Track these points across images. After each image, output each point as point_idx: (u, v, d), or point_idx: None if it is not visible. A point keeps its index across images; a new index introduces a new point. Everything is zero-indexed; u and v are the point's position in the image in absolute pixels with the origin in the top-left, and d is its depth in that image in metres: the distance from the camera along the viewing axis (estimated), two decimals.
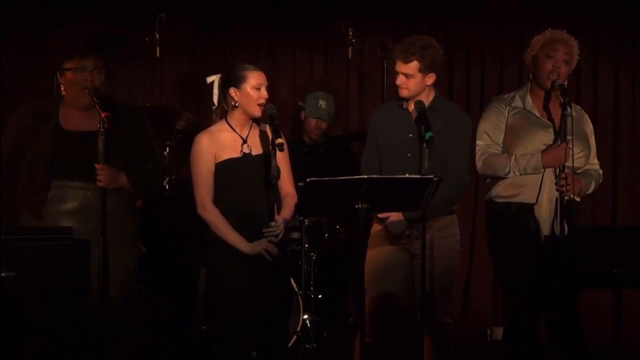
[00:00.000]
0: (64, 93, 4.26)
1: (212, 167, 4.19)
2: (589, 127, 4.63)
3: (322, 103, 5.96)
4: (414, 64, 4.32)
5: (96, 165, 4.08)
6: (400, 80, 4.37)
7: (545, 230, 4.40)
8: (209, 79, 4.33)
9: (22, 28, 6.31)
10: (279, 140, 4.09)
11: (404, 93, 4.39)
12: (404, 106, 4.42)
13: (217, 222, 4.17)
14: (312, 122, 5.98)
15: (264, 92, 4.20)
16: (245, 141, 4.23)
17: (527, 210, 4.46)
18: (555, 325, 4.47)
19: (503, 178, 4.49)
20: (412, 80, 4.34)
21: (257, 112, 4.21)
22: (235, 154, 4.20)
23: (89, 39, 4.29)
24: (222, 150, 4.20)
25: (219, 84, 4.28)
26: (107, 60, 4.28)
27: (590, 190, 4.54)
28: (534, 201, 4.45)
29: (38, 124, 4.21)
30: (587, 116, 4.67)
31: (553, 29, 4.62)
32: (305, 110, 6.03)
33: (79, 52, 4.20)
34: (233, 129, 4.23)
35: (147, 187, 4.36)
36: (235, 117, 4.24)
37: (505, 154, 4.52)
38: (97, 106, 4.11)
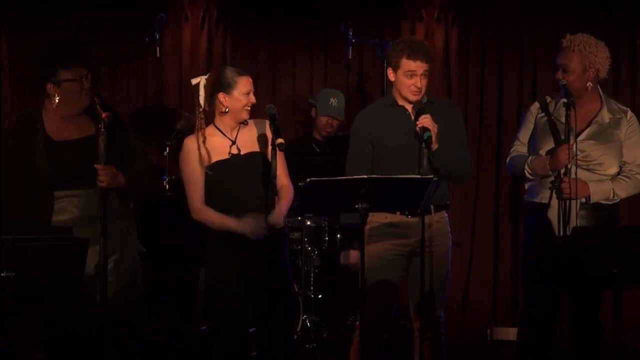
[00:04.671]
0: (55, 104, 4.23)
1: (200, 169, 4.20)
2: (624, 133, 4.54)
3: (333, 100, 5.99)
4: (430, 63, 4.32)
5: (97, 166, 4.08)
6: (421, 82, 4.28)
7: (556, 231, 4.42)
8: (194, 81, 4.35)
9: (22, 28, 6.30)
10: (279, 140, 4.09)
11: (419, 96, 4.31)
12: (399, 104, 4.37)
13: (209, 217, 4.21)
14: (324, 119, 6.01)
15: (252, 97, 4.26)
16: (234, 142, 4.25)
17: (543, 210, 4.51)
18: (574, 325, 4.51)
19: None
20: (426, 79, 4.32)
21: (245, 116, 4.27)
22: (224, 156, 4.24)
23: (77, 46, 4.29)
24: (211, 153, 4.24)
25: (205, 86, 4.29)
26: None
27: (611, 195, 4.48)
28: (546, 201, 4.50)
29: (26, 139, 4.19)
30: (630, 121, 4.56)
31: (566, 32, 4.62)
32: (316, 108, 6.04)
33: (77, 60, 4.20)
34: (222, 132, 4.27)
35: (142, 183, 4.39)
36: (225, 121, 4.29)
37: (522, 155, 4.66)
38: (97, 106, 4.11)
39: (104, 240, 4.05)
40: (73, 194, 4.19)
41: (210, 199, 4.24)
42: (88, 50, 4.36)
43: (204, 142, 4.23)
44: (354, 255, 4.32)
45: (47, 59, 4.24)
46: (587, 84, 4.50)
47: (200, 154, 4.22)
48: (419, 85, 4.28)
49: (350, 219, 4.16)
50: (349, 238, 4.45)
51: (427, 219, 4.24)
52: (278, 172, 4.22)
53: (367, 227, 4.30)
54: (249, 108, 4.27)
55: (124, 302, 4.23)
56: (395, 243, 4.32)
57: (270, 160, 4.18)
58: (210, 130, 4.28)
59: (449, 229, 4.43)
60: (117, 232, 4.21)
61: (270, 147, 4.19)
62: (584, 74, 4.48)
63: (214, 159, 4.23)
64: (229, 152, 4.25)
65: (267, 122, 4.27)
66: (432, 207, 4.29)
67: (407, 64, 4.27)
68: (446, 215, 4.42)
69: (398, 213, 4.30)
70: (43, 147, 4.16)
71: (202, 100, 4.29)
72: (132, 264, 4.34)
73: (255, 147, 4.28)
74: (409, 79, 4.28)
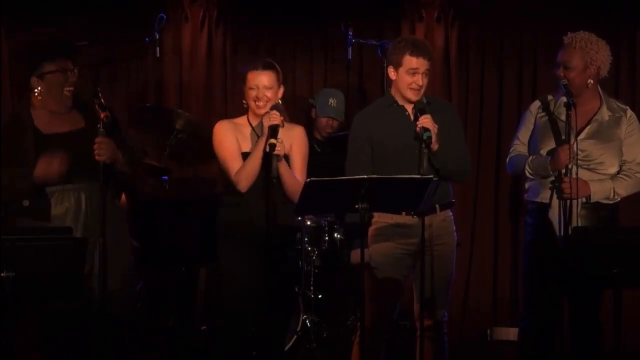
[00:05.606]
0: (39, 97, 4.23)
1: (238, 146, 4.23)
2: (624, 131, 4.55)
3: (332, 101, 5.98)
4: (431, 61, 4.33)
5: (97, 139, 4.08)
6: (422, 80, 4.28)
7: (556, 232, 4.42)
8: None
9: (22, 28, 6.30)
10: (272, 140, 4.10)
11: (419, 95, 4.31)
12: (400, 104, 4.37)
13: (245, 171, 4.18)
14: (323, 120, 6.00)
15: (260, 92, 4.24)
16: (259, 138, 4.25)
17: (543, 210, 4.51)
18: (574, 325, 4.52)
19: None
20: (427, 78, 4.32)
21: (258, 110, 4.26)
22: (249, 145, 4.26)
23: (61, 41, 4.26)
24: (241, 140, 4.27)
25: None
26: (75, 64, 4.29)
27: (612, 194, 4.49)
28: (547, 201, 4.51)
29: (17, 134, 4.18)
30: (630, 120, 4.57)
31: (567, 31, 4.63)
32: (315, 108, 6.03)
33: (62, 53, 4.19)
34: (251, 125, 4.31)
35: (138, 166, 4.46)
36: (251, 114, 4.34)
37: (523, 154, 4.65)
38: (96, 106, 4.10)
39: (104, 240, 4.05)
40: (65, 189, 4.18)
41: (225, 195, 4.28)
42: (75, 46, 4.31)
43: (236, 127, 4.31)
44: (358, 255, 4.28)
45: (31, 54, 4.23)
46: (588, 81, 4.50)
47: (235, 135, 4.27)
48: (420, 83, 4.28)
49: (356, 218, 4.15)
50: (354, 237, 4.44)
51: (431, 218, 4.26)
52: (283, 175, 4.22)
53: (373, 227, 4.32)
54: (261, 103, 4.26)
55: (120, 299, 4.22)
56: (401, 243, 4.31)
57: (288, 160, 4.24)
58: (242, 119, 4.35)
59: (454, 228, 4.43)
60: (109, 228, 4.20)
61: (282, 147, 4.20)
62: (585, 71, 4.49)
63: (243, 148, 4.27)
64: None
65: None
66: (437, 206, 4.29)
67: (410, 61, 4.27)
68: (451, 214, 4.41)
69: (404, 213, 4.30)
70: (31, 141, 4.15)
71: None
72: (126, 259, 4.33)
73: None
74: (410, 76, 4.28)
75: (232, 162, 4.23)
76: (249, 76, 4.26)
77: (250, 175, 4.17)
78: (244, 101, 4.33)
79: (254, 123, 4.32)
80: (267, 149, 4.11)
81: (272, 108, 4.22)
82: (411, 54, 4.27)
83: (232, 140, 4.25)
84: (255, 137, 4.28)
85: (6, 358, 4.04)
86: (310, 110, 6.11)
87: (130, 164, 4.29)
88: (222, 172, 4.31)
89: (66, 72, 4.20)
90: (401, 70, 4.30)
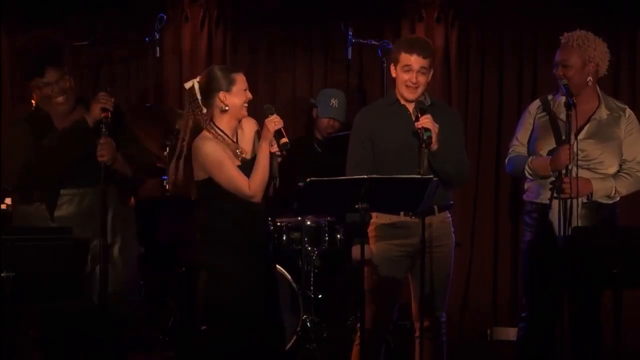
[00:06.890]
0: (34, 105, 4.24)
1: (230, 156, 4.13)
2: (624, 131, 4.55)
3: (333, 102, 5.98)
4: (430, 60, 4.31)
5: (100, 140, 4.08)
6: (416, 78, 4.27)
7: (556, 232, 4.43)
8: (188, 85, 4.20)
9: (22, 28, 6.30)
10: (284, 140, 4.04)
11: (415, 94, 4.31)
12: (401, 103, 4.36)
13: (256, 181, 4.08)
14: (325, 121, 6.00)
15: (249, 94, 4.19)
16: (237, 147, 4.21)
17: (543, 210, 4.52)
18: (574, 325, 4.53)
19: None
20: (425, 77, 4.31)
21: (245, 113, 4.20)
22: (237, 162, 4.14)
23: (40, 52, 4.20)
24: (230, 155, 4.15)
25: (201, 88, 4.18)
26: (67, 66, 4.23)
27: (613, 192, 4.49)
28: (547, 201, 4.51)
29: (35, 129, 4.20)
30: (629, 119, 4.58)
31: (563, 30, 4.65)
32: (317, 109, 6.03)
33: (36, 69, 4.14)
34: (226, 134, 4.17)
35: (139, 164, 4.40)
36: (225, 121, 4.16)
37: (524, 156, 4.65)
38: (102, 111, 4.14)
39: (104, 240, 4.06)
40: (70, 193, 4.19)
41: (217, 203, 4.14)
42: (64, 51, 4.23)
43: (222, 146, 4.14)
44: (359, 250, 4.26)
45: (20, 63, 4.23)
46: (588, 79, 4.51)
47: (228, 153, 4.13)
48: (414, 80, 4.28)
49: (356, 217, 4.13)
50: (354, 236, 4.42)
51: (429, 219, 4.25)
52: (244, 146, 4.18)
53: (371, 227, 4.32)
54: (247, 105, 4.24)
55: (119, 301, 4.21)
56: (398, 243, 4.31)
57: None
58: (215, 132, 4.14)
59: (452, 230, 4.43)
60: (117, 231, 4.21)
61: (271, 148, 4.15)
62: (583, 68, 4.49)
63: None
64: (240, 157, 4.16)
65: (255, 121, 4.25)
66: (435, 207, 4.29)
67: (405, 57, 4.29)
68: (449, 215, 4.41)
69: (402, 214, 4.30)
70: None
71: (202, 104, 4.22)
72: (130, 264, 4.33)
73: (253, 150, 4.23)
74: (405, 73, 4.29)
75: (241, 178, 4.09)
76: (240, 78, 4.15)
77: (265, 182, 4.10)
78: (226, 107, 4.10)
79: (228, 131, 4.17)
80: (280, 150, 4.06)
81: (270, 112, 4.14)
82: (405, 51, 4.29)
83: (227, 157, 4.11)
84: (235, 147, 4.20)
85: (6, 358, 4.04)
86: (311, 110, 6.11)
87: (133, 166, 4.29)
88: (214, 187, 4.11)
89: (48, 86, 4.16)
90: (398, 67, 4.33)
